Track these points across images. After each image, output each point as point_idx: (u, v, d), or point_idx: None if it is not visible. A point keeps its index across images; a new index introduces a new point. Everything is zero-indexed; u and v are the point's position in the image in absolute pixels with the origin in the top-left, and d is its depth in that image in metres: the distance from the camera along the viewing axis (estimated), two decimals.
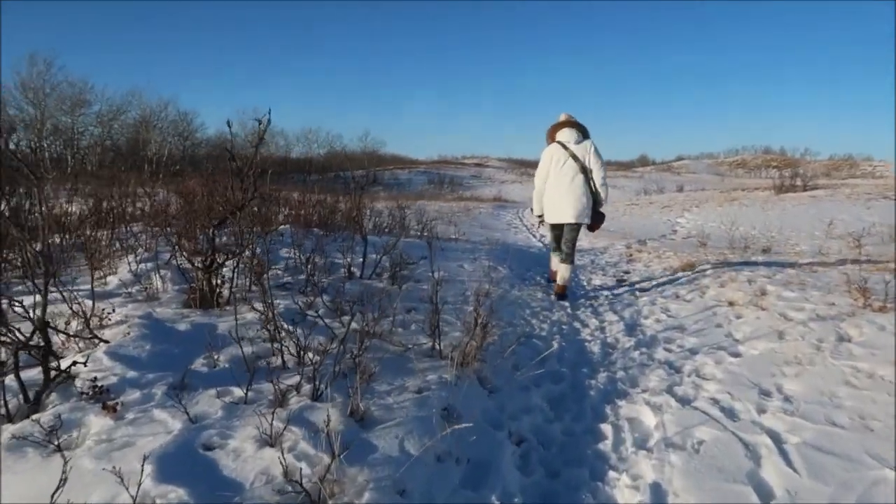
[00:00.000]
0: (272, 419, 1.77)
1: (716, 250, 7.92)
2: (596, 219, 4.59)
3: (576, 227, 4.50)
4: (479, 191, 34.47)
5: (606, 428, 2.34)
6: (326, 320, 2.58)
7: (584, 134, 4.52)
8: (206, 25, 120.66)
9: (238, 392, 2.05)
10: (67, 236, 4.05)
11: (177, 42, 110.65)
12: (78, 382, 2.00)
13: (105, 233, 4.17)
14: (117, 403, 1.87)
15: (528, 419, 2.38)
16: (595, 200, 4.50)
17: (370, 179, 37.62)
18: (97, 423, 1.81)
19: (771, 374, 2.75)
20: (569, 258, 4.51)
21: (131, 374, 2.11)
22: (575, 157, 4.41)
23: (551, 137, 4.58)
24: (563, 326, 3.76)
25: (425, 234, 6.81)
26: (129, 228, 4.57)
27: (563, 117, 4.71)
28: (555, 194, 4.47)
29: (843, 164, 58.44)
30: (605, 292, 4.97)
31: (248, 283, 3.33)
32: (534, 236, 11.12)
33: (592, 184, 4.46)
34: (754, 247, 8.08)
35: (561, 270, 4.55)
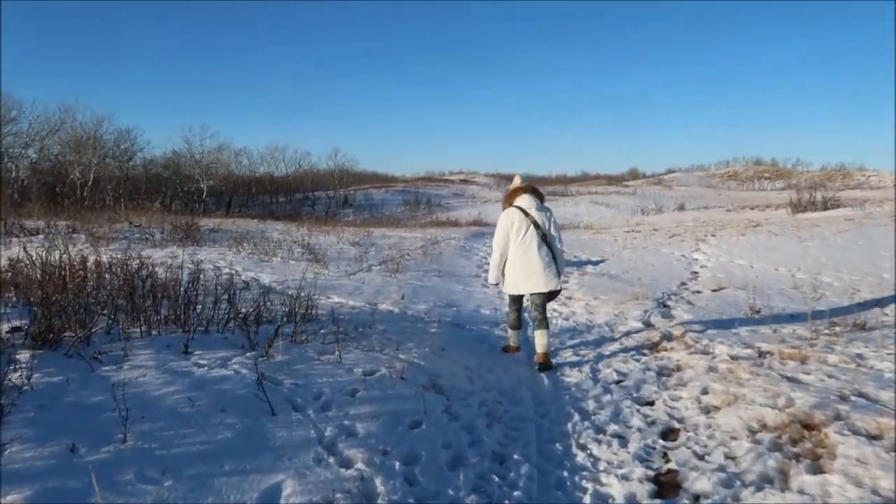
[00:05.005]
0: None
1: (782, 328, 5.05)
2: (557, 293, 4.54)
3: (546, 294, 4.38)
4: (458, 211, 31.51)
5: None
6: None
7: (541, 199, 4.51)
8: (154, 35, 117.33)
9: None
10: None
11: (121, 54, 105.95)
12: None
13: None
14: None
15: None
16: (557, 270, 4.42)
17: (340, 201, 34.44)
18: None
19: None
20: (544, 322, 4.35)
21: None
22: (536, 225, 4.34)
23: (509, 202, 4.49)
24: None
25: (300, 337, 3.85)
26: None
27: (519, 181, 4.64)
28: (521, 264, 4.31)
29: (836, 175, 56.26)
30: None
31: None
32: None
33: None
34: (841, 321, 5.20)
35: (539, 338, 4.30)
